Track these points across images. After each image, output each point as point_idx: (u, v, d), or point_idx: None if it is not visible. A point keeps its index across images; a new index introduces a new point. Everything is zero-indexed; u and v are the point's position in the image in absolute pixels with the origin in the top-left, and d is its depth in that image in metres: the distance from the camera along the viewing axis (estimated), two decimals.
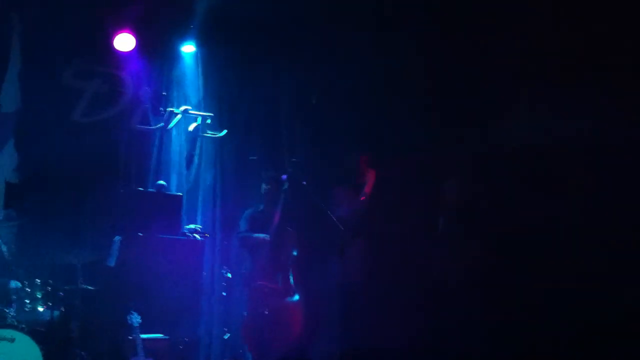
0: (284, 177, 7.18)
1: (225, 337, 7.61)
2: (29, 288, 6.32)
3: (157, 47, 8.12)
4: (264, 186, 7.46)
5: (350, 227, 7.09)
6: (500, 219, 6.46)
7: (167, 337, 6.99)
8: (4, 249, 6.71)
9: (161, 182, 7.83)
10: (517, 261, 6.28)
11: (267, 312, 6.95)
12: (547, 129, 6.23)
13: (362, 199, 7.20)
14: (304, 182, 7.10)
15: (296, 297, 7.16)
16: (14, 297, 6.30)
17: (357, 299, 7.05)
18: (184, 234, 7.67)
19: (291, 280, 7.19)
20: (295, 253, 7.22)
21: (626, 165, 5.98)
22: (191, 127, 8.11)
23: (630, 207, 5.90)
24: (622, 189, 5.97)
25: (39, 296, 6.34)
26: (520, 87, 6.57)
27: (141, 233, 7.27)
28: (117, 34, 7.72)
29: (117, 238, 7.30)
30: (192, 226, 7.81)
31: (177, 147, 8.23)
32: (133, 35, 7.77)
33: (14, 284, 6.37)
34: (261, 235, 7.23)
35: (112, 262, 7.23)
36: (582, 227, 6.03)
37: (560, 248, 6.14)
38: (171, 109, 8.06)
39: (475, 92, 6.89)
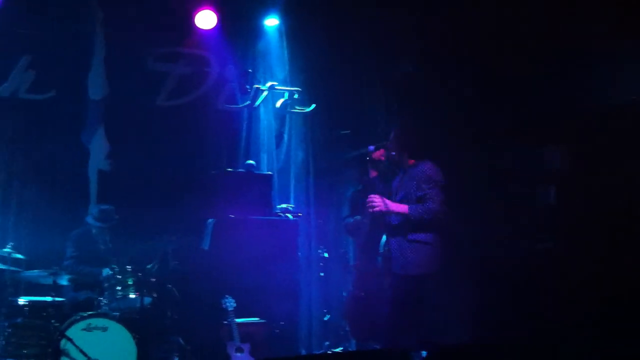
0: (371, 147, 6.75)
1: (325, 318, 7.33)
2: (120, 275, 6.20)
3: (239, 23, 7.86)
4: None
5: None
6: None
7: (263, 320, 6.75)
8: (100, 240, 6.68)
9: (250, 161, 7.58)
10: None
11: (363, 294, 6.56)
12: None
13: None
14: None
15: None
16: (106, 284, 6.22)
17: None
18: (276, 214, 7.41)
19: None
20: None
21: None
22: (278, 104, 7.85)
23: None
24: None
25: (130, 283, 6.20)
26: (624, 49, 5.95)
27: (232, 215, 7.05)
28: (198, 12, 7.51)
29: (210, 221, 7.14)
30: (284, 206, 7.55)
31: (265, 125, 7.96)
32: (214, 11, 7.54)
33: (106, 271, 6.30)
34: (352, 220, 6.83)
35: (206, 245, 7.09)
36: None
37: None
38: (257, 86, 7.82)
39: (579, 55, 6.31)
